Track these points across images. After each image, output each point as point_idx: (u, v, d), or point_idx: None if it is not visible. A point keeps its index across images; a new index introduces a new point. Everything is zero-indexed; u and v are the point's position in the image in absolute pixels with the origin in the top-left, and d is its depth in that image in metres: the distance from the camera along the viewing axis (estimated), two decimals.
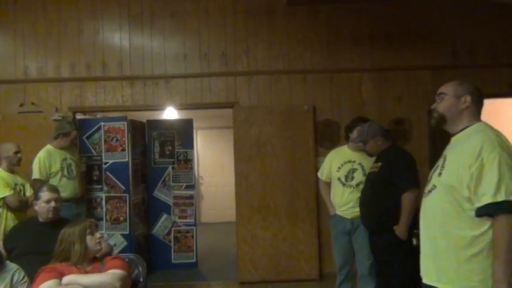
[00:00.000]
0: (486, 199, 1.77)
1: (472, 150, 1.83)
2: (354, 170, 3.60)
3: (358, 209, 3.49)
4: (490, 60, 5.03)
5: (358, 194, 3.51)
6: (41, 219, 3.00)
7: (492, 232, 1.78)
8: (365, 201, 3.35)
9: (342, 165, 3.65)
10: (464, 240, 1.84)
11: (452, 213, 1.88)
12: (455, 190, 1.86)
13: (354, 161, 3.62)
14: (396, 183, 3.12)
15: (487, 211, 1.77)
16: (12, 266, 2.28)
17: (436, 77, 4.86)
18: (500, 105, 5.68)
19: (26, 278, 2.26)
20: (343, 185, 3.61)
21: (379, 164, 3.28)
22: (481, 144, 1.83)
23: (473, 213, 1.82)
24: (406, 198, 3.05)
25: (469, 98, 1.98)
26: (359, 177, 3.56)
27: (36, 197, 3.03)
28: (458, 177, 1.85)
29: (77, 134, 4.44)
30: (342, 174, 3.62)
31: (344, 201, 3.61)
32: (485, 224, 1.80)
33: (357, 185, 3.55)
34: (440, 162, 2.01)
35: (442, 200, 1.92)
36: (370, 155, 3.44)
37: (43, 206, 2.98)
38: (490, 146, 1.81)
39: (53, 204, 2.98)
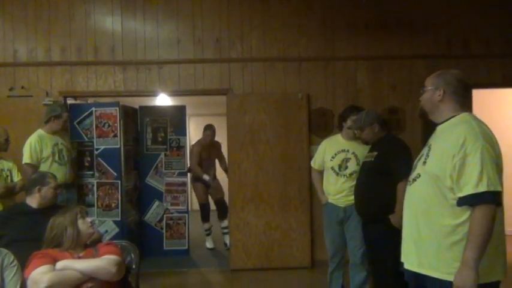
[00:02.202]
0: (468, 189, 1.82)
1: (456, 140, 1.87)
2: (347, 160, 3.58)
3: (351, 198, 3.50)
4: (484, 51, 5.03)
5: (351, 183, 3.52)
6: (34, 206, 2.94)
7: (470, 220, 1.83)
8: (360, 190, 3.35)
9: (335, 154, 3.63)
10: (446, 228, 1.90)
11: (435, 201, 1.93)
12: (439, 179, 1.91)
13: (347, 150, 3.61)
14: (392, 173, 3.12)
15: (468, 201, 1.82)
16: (1, 250, 2.25)
17: (430, 67, 4.82)
18: (494, 95, 5.73)
19: (15, 262, 2.23)
20: (337, 174, 3.60)
21: (375, 153, 3.27)
22: (465, 135, 1.86)
23: (454, 202, 1.87)
24: (402, 188, 3.03)
25: (442, 91, 2.02)
26: (353, 166, 3.55)
27: (42, 182, 2.97)
28: (442, 167, 1.90)
29: (68, 116, 4.36)
30: (336, 164, 3.60)
31: (337, 190, 3.60)
32: (466, 213, 1.85)
33: (351, 174, 3.55)
34: (425, 151, 2.06)
35: (426, 188, 1.98)
36: (366, 142, 3.44)
37: (51, 192, 2.98)
38: (473, 137, 1.85)
39: (58, 191, 3.04)
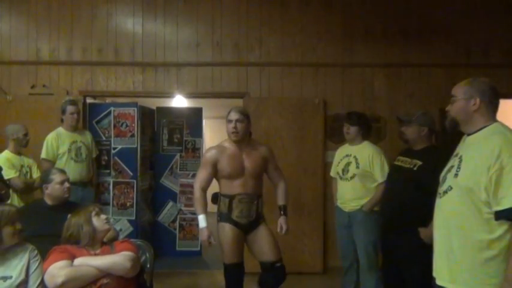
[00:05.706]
0: (507, 203, 1.73)
1: (490, 152, 1.79)
2: (349, 163, 3.65)
3: (353, 204, 3.59)
4: (504, 60, 4.98)
5: (352, 188, 3.58)
6: (49, 202, 2.99)
7: (510, 235, 1.76)
8: (393, 197, 3.16)
9: (341, 159, 3.75)
10: (481, 243, 1.82)
11: (469, 215, 1.85)
12: (473, 192, 1.82)
13: (350, 155, 3.68)
14: (436, 189, 2.93)
15: (508, 215, 1.74)
16: (27, 246, 2.29)
17: (449, 75, 4.82)
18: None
19: (38, 257, 2.27)
20: (340, 178, 3.70)
21: (418, 162, 3.03)
22: (500, 146, 1.79)
23: (490, 216, 1.79)
24: None
25: (478, 100, 1.93)
26: (353, 169, 3.60)
27: (46, 180, 3.01)
28: (476, 179, 1.81)
29: (76, 108, 4.32)
30: (340, 168, 3.71)
31: (340, 195, 3.73)
32: (502, 228, 1.78)
33: (351, 177, 3.60)
34: (455, 163, 1.96)
35: (458, 201, 1.89)
36: (406, 141, 3.22)
37: (57, 187, 2.98)
38: (509, 148, 1.78)
39: (66, 184, 3.02)
